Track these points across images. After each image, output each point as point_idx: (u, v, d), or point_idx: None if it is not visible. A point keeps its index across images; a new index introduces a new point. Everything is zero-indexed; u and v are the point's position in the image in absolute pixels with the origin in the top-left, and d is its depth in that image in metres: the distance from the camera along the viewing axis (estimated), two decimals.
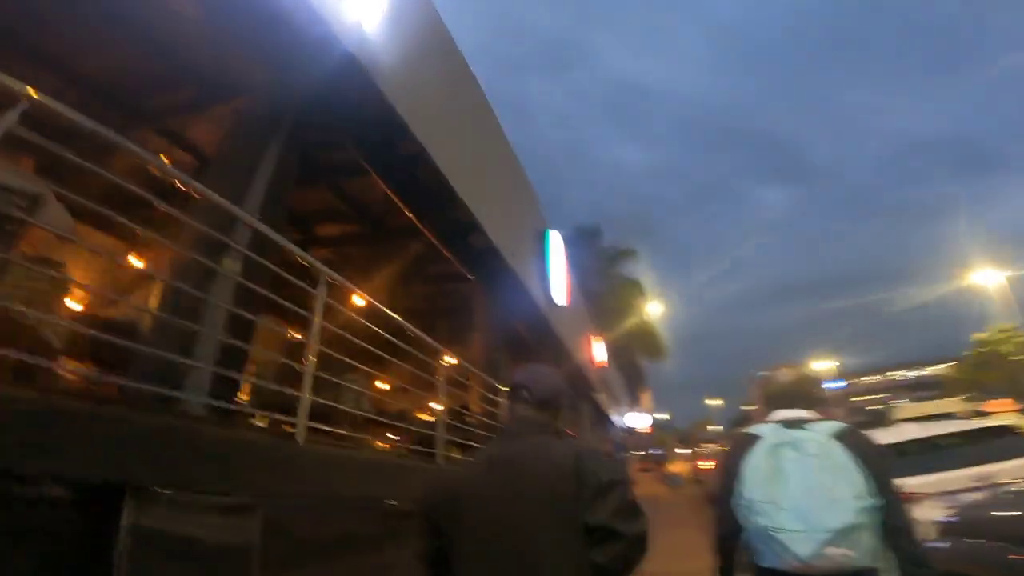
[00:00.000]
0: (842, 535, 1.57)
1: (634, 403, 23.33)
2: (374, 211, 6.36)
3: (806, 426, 1.82)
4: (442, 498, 1.45)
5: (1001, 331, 26.43)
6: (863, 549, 1.58)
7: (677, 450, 39.47)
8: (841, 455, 1.69)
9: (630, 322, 22.34)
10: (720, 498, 1.85)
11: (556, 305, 8.65)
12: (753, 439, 1.85)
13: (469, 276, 6.72)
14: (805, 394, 1.97)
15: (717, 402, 65.89)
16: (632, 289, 22.71)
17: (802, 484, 1.66)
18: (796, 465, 1.70)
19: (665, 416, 54.08)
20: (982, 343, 27.83)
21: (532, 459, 1.39)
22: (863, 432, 1.84)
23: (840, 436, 1.75)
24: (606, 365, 9.82)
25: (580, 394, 9.87)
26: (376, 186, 4.88)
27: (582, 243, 22.16)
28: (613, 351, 19.50)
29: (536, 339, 8.79)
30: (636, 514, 1.34)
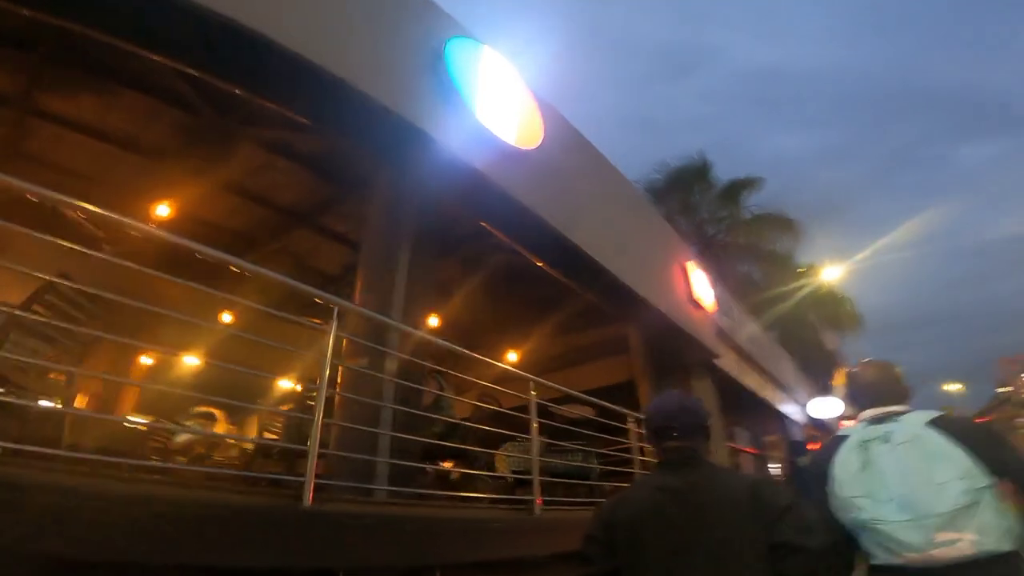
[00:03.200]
0: (953, 519, 1.50)
1: (821, 389, 19.54)
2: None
3: (896, 418, 1.78)
4: (620, 523, 1.54)
5: None
6: (990, 531, 1.49)
7: None
8: (937, 440, 1.63)
9: (791, 279, 17.95)
10: (816, 506, 1.74)
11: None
12: (839, 440, 1.85)
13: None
14: (891, 388, 1.91)
15: (956, 387, 55.11)
16: (771, 225, 17.47)
17: (897, 473, 1.63)
18: (888, 456, 1.68)
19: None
20: None
21: (709, 490, 1.50)
22: (958, 415, 1.81)
23: (934, 422, 1.70)
24: (715, 309, 7.95)
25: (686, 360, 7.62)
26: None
27: (681, 188, 18.28)
28: (775, 322, 16.16)
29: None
30: (818, 531, 1.42)
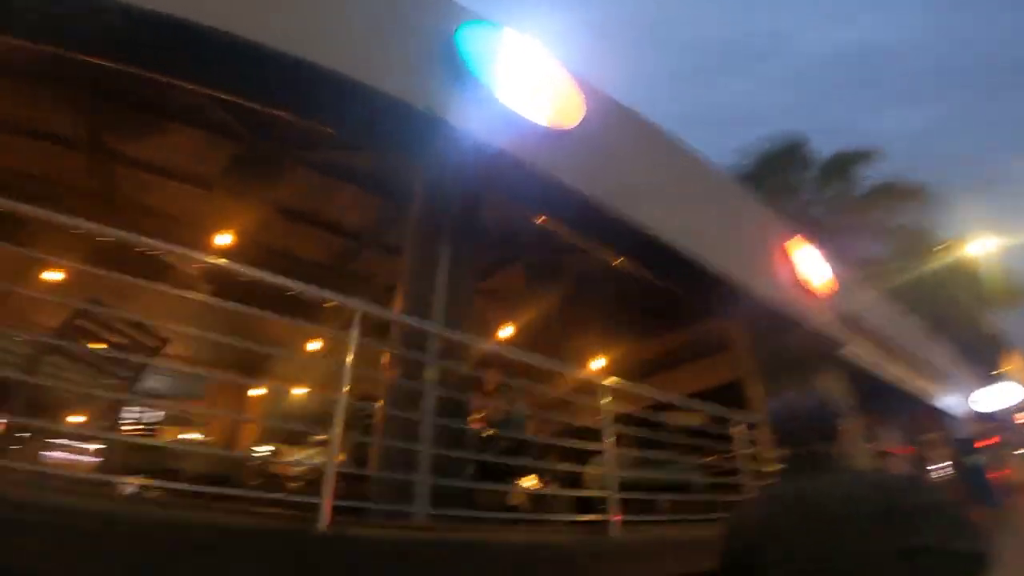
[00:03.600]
0: None
1: (984, 377, 16.08)
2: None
3: None
4: (750, 543, 1.44)
5: None
6: None
7: None
8: None
9: (930, 257, 15.58)
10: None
11: None
12: None
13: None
14: None
15: None
16: (895, 196, 15.28)
17: None
18: None
19: None
20: None
21: (837, 497, 1.36)
22: None
23: None
24: (834, 287, 6.41)
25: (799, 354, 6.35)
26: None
27: (774, 170, 16.32)
28: (916, 302, 14.57)
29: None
30: (970, 530, 1.26)
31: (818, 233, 14.12)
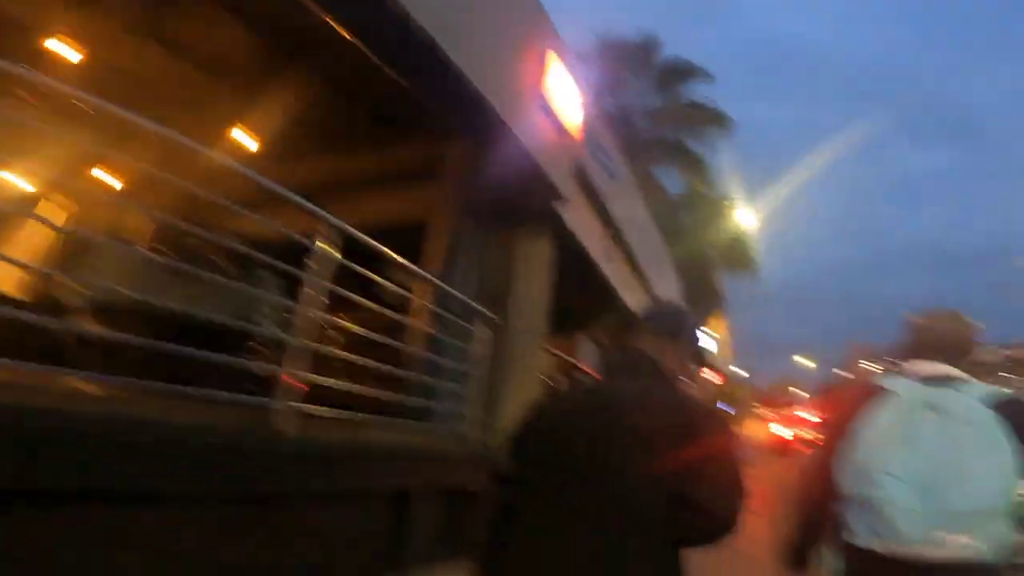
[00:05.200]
0: (966, 521, 1.37)
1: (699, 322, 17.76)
2: None
3: (956, 386, 1.54)
4: (535, 424, 1.34)
5: None
6: (994, 541, 1.39)
7: (756, 411, 34.00)
8: (994, 428, 1.42)
9: (707, 206, 16.42)
10: (821, 463, 1.61)
11: None
12: (883, 393, 1.56)
13: None
14: (960, 348, 1.64)
15: (808, 363, 58.20)
16: (704, 119, 15.18)
17: (935, 454, 1.42)
18: (935, 431, 1.45)
19: (743, 373, 41.59)
20: None
21: (633, 405, 1.20)
22: None
23: (1000, 405, 1.47)
24: (582, 136, 5.30)
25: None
26: None
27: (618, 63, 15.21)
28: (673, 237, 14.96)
29: None
30: (736, 493, 1.20)
31: (631, 145, 13.57)
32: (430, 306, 3.96)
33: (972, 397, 1.49)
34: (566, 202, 4.98)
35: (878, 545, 1.41)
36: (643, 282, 9.20)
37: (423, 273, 3.97)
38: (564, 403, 1.45)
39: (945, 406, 1.47)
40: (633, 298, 8.26)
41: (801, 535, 1.66)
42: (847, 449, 1.51)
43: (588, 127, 5.47)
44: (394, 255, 3.27)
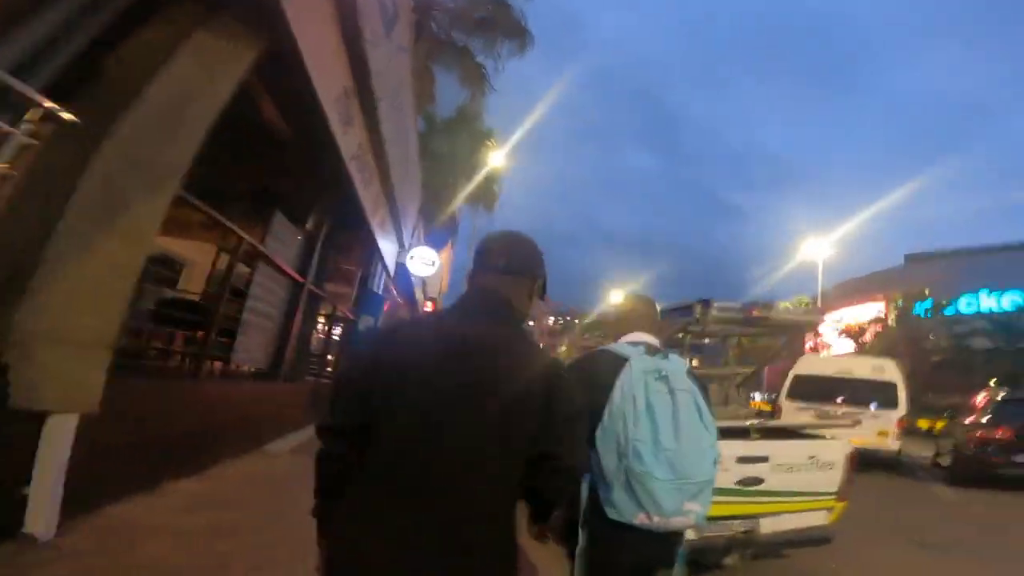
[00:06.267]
0: (701, 489, 1.44)
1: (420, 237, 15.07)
2: None
3: (665, 355, 1.60)
4: (381, 365, 1.12)
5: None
6: (707, 505, 1.47)
7: None
8: (699, 394, 1.53)
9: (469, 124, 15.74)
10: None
11: None
12: (621, 361, 1.54)
13: None
14: (654, 322, 1.78)
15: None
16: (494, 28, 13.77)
17: (673, 424, 1.45)
18: (667, 400, 1.47)
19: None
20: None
21: (497, 354, 1.13)
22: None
23: (690, 373, 1.58)
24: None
25: None
26: None
27: None
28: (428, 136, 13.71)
29: None
30: (583, 446, 1.24)
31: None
32: None
33: (680, 367, 1.56)
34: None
35: (635, 518, 1.40)
36: (384, 182, 7.47)
37: None
38: (417, 346, 1.14)
39: (671, 376, 1.50)
40: (367, 193, 6.47)
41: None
42: (607, 421, 1.47)
43: None
44: None
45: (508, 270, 1.23)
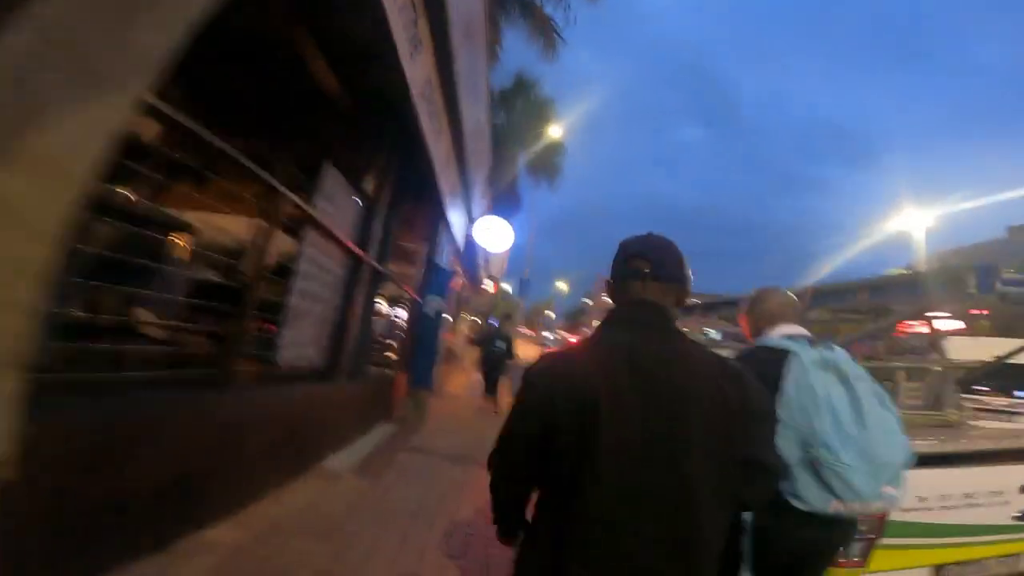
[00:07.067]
0: (898, 472, 1.42)
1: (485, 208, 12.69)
2: None
3: (831, 346, 1.59)
4: (573, 393, 1.00)
5: None
6: (902, 488, 1.44)
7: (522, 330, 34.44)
8: (873, 382, 1.53)
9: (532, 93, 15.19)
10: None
11: None
12: (783, 354, 1.54)
13: None
14: (798, 312, 1.79)
15: (563, 286, 61.70)
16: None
17: (852, 412, 1.43)
18: (840, 390, 1.46)
19: (507, 287, 35.86)
20: None
21: (691, 372, 1.03)
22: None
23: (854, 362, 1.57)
24: None
25: None
26: None
27: None
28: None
29: None
30: (776, 444, 1.16)
31: None
32: None
33: (845, 355, 1.56)
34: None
35: (830, 507, 1.40)
36: (456, 137, 6.23)
37: None
38: (616, 364, 1.03)
39: (840, 364, 1.51)
40: (438, 147, 5.24)
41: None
42: (782, 412, 1.46)
43: None
44: None
45: (666, 278, 1.16)
